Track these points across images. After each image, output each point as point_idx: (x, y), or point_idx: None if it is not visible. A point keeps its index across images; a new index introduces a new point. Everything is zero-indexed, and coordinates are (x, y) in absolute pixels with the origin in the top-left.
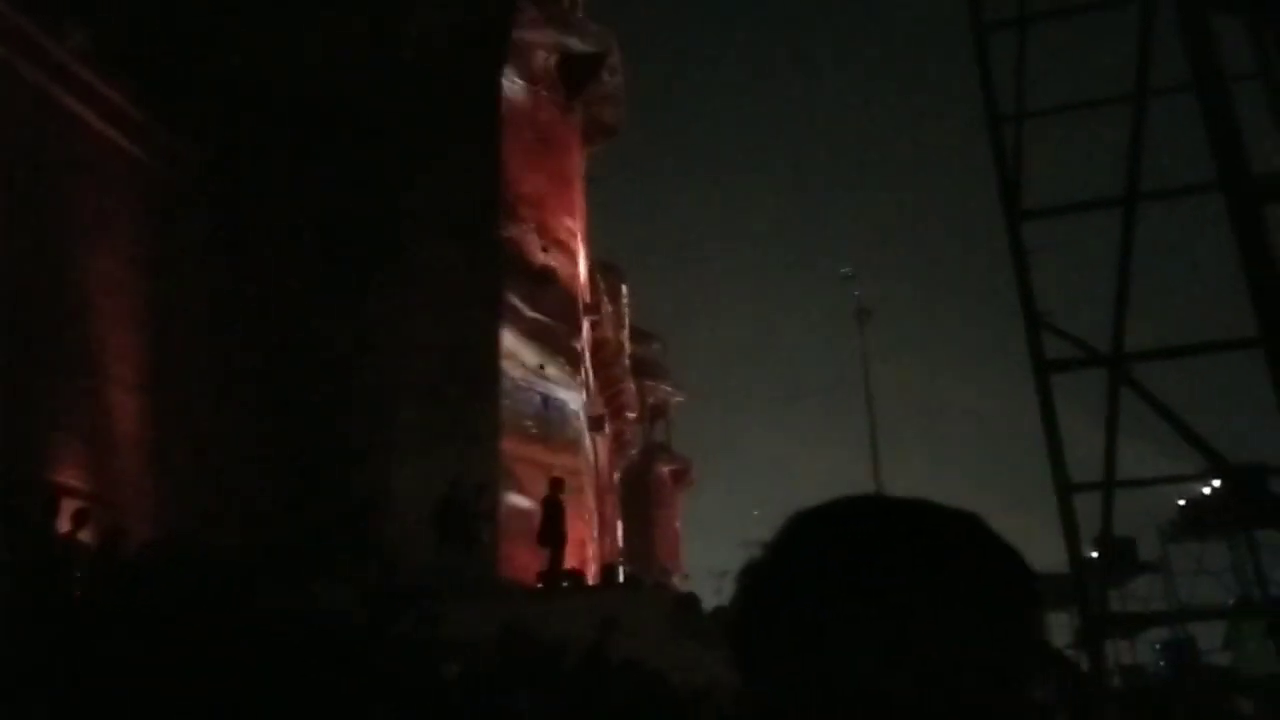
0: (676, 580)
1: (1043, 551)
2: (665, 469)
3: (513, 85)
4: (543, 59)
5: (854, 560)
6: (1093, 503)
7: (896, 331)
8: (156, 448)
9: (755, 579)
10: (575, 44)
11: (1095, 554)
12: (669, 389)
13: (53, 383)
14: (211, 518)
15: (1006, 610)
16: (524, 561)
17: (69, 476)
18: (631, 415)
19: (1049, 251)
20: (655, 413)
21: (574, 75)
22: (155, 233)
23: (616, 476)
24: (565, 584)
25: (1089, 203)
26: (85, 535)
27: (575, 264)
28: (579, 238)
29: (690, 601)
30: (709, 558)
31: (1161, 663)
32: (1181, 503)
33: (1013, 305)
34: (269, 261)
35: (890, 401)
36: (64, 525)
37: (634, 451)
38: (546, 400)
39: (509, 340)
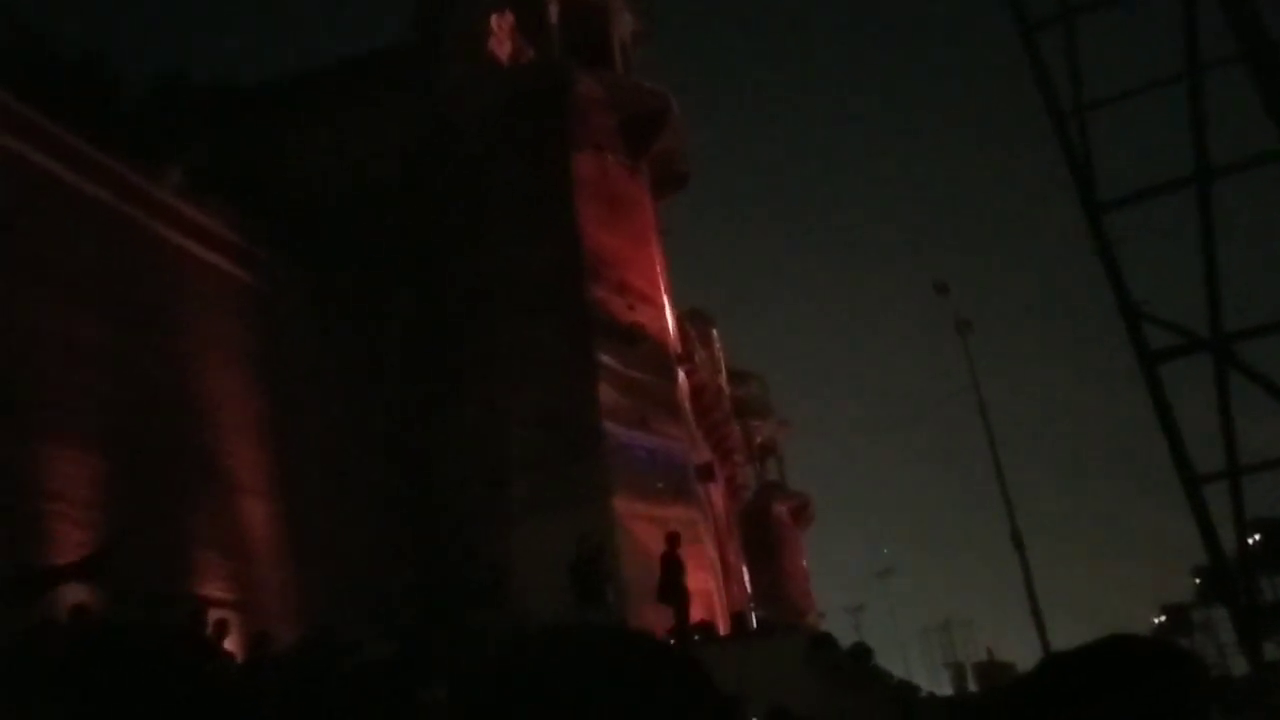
0: (811, 619)
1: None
2: (783, 507)
3: (579, 153)
4: (604, 124)
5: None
6: (1247, 485)
7: (1001, 340)
8: (289, 550)
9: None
10: (634, 105)
11: (1254, 539)
12: (775, 425)
13: (186, 497)
14: (348, 612)
15: None
16: (651, 619)
17: (212, 588)
18: (739, 458)
19: (1135, 240)
20: (764, 451)
21: (637, 135)
22: (263, 346)
23: (734, 521)
24: (696, 637)
25: (1161, 186)
26: (229, 644)
27: (662, 316)
28: (662, 290)
29: (825, 640)
30: (842, 593)
31: None
32: None
33: (1109, 297)
34: (367, 358)
35: (1006, 408)
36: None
37: (749, 494)
38: (652, 455)
39: (607, 400)
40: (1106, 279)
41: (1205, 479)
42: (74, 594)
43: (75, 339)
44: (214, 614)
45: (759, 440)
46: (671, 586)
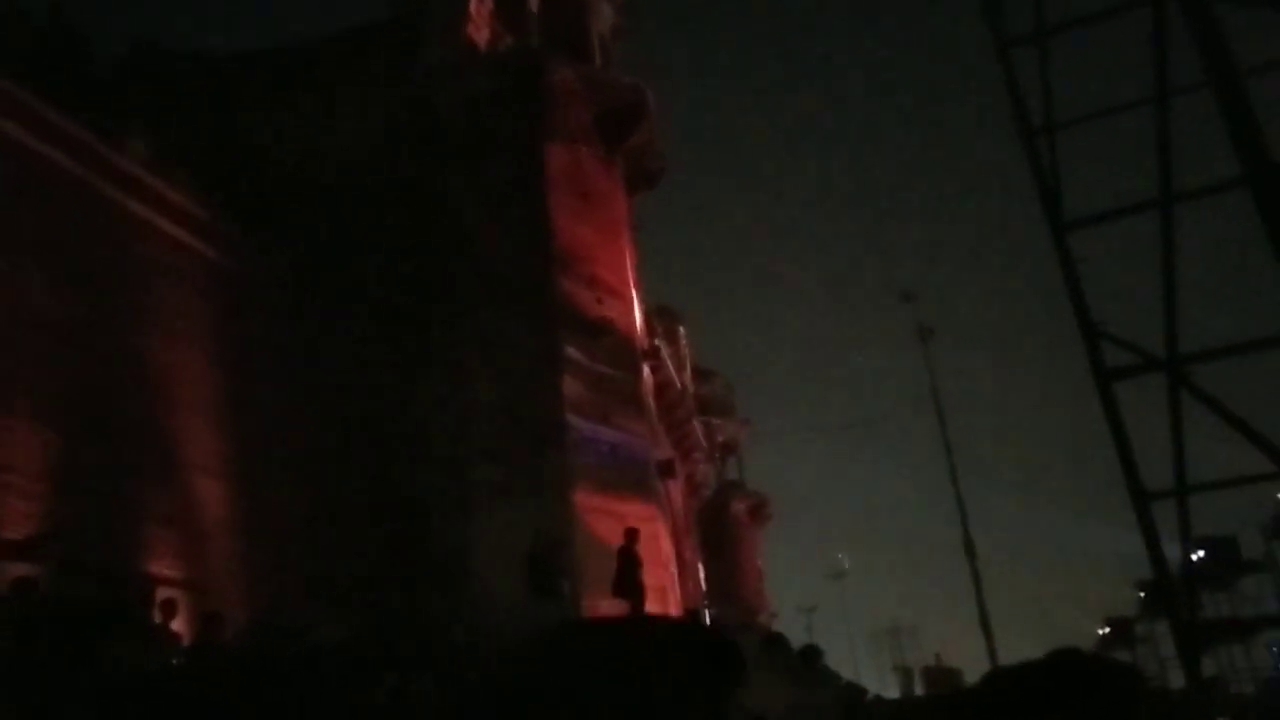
0: (764, 619)
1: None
2: (741, 506)
3: (553, 144)
4: (580, 116)
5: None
6: (1194, 504)
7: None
8: (242, 531)
9: None
10: (610, 99)
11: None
12: (737, 425)
13: (141, 475)
14: (300, 595)
15: None
16: (606, 613)
17: (163, 566)
18: (700, 455)
19: (1097, 260)
20: (725, 450)
21: (612, 128)
22: (225, 323)
23: (692, 518)
24: None
25: (1127, 208)
26: (177, 624)
27: (630, 311)
28: (632, 286)
29: (777, 640)
30: (796, 593)
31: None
32: None
33: (1069, 313)
34: (333, 339)
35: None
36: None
37: (708, 492)
38: (614, 449)
39: (571, 392)
40: (1068, 296)
41: (1154, 496)
42: (18, 568)
43: (30, 307)
44: (163, 593)
45: (720, 439)
46: (627, 581)
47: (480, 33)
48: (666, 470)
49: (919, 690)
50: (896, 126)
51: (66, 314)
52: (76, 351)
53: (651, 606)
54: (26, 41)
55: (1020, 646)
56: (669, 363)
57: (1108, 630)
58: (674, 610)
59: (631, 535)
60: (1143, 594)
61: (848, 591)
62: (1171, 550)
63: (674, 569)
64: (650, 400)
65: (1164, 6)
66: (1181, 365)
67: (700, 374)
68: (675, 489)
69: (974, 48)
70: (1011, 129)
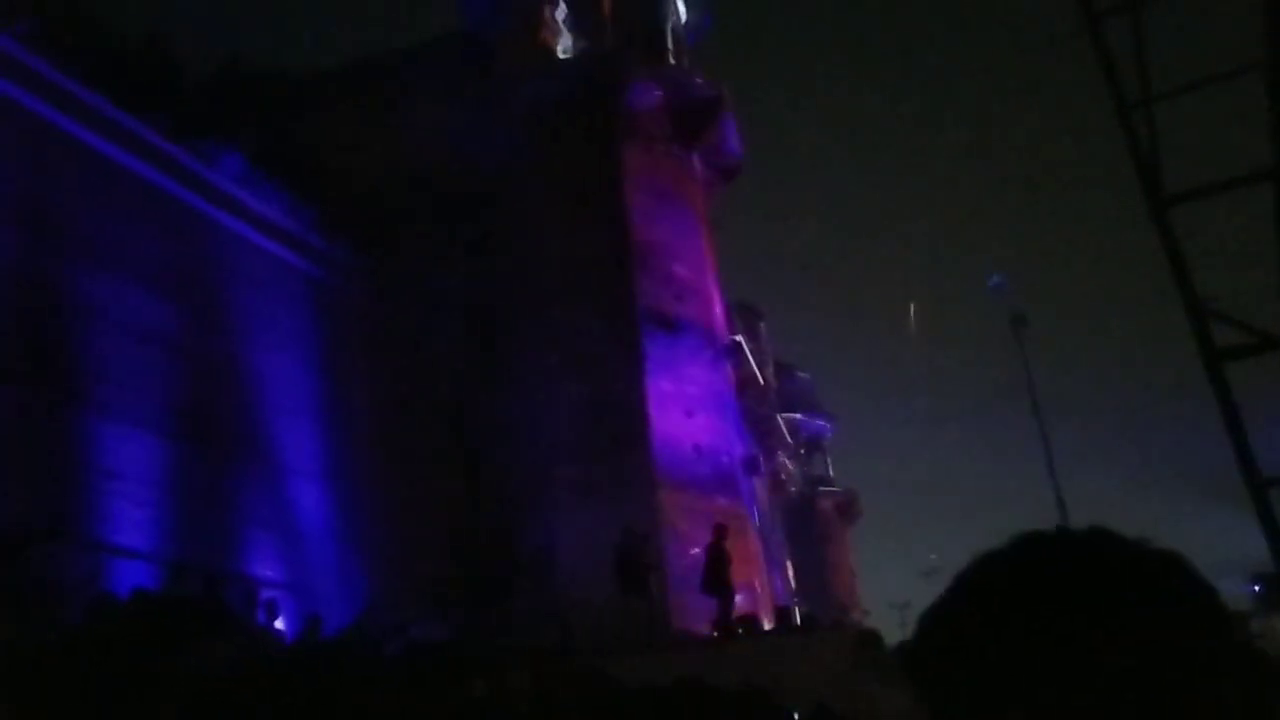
0: (856, 616)
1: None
2: (829, 502)
3: (630, 144)
4: (657, 115)
5: (1040, 607)
6: None
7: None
8: (340, 533)
9: (938, 624)
10: (687, 97)
11: None
12: (822, 420)
13: (243, 480)
14: (396, 594)
15: (1201, 657)
16: (696, 610)
17: (263, 568)
18: (785, 452)
19: (1204, 236)
20: (811, 447)
21: (689, 126)
22: (318, 330)
23: (778, 515)
24: (740, 630)
25: (1236, 179)
26: (280, 624)
27: (710, 308)
28: (711, 282)
29: (871, 638)
30: (888, 590)
31: None
32: None
33: (1174, 295)
34: (420, 343)
35: (1060, 406)
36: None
37: (794, 489)
38: (698, 447)
39: (654, 390)
40: (1171, 275)
41: (1272, 482)
42: (134, 573)
43: (135, 320)
44: (265, 594)
45: (805, 435)
46: (717, 578)
47: (555, 37)
48: (752, 467)
49: None
50: (985, 108)
51: (171, 326)
52: (180, 361)
53: (741, 604)
54: (124, 65)
55: None
56: (751, 358)
57: None
58: (764, 608)
59: (720, 532)
60: (1258, 587)
61: (941, 588)
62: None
63: (763, 566)
64: (733, 396)
65: None
66: None
67: (783, 369)
68: (760, 486)
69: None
70: (1107, 103)
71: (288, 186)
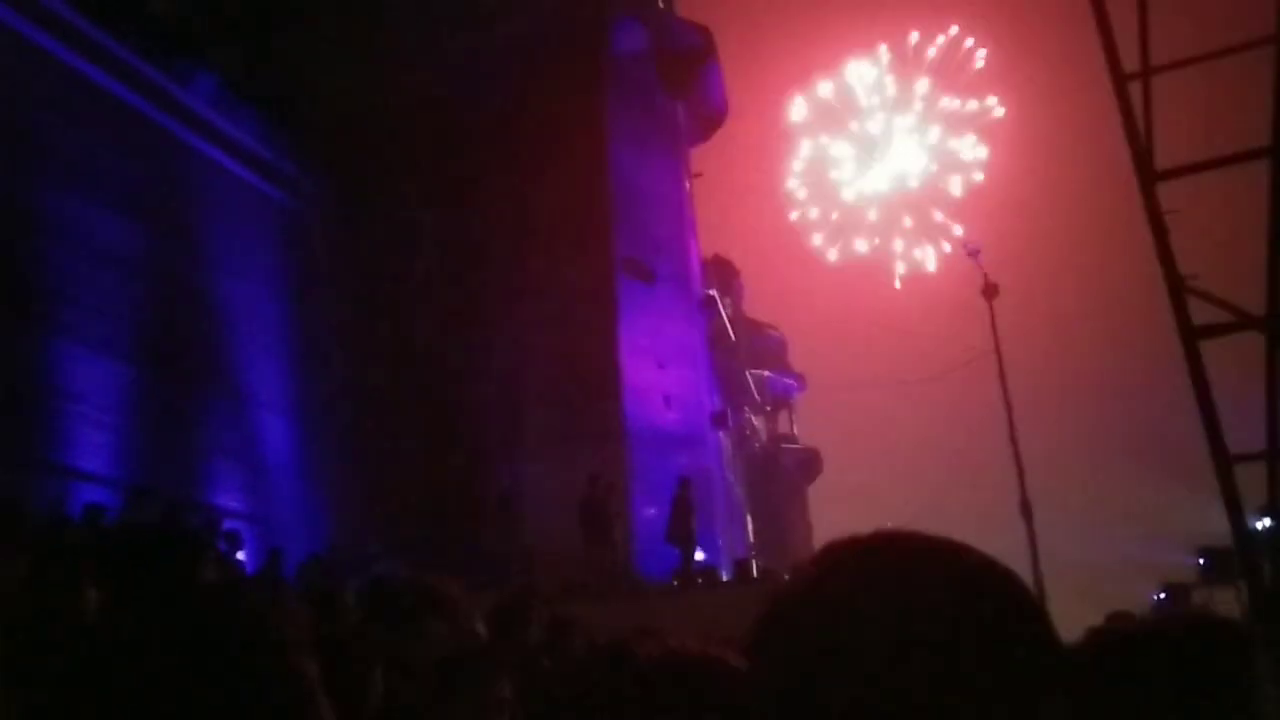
0: None
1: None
2: (791, 460)
3: (615, 89)
4: (643, 60)
5: (877, 606)
6: (1257, 471)
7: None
8: (305, 466)
9: (785, 607)
10: (673, 43)
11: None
12: (790, 378)
13: (205, 409)
14: (359, 532)
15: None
16: (656, 559)
17: (226, 498)
18: (752, 408)
19: (1186, 212)
20: (778, 404)
21: (676, 73)
22: (290, 263)
23: (742, 470)
24: (699, 580)
25: (1232, 156)
26: (241, 555)
27: (688, 261)
28: (690, 234)
29: None
30: None
31: None
32: None
33: (1152, 270)
34: (395, 280)
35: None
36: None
37: (758, 444)
38: (668, 398)
39: (627, 340)
40: (1155, 250)
41: (1240, 458)
42: (94, 497)
43: (101, 241)
44: (227, 524)
45: (772, 392)
46: (680, 528)
47: None
48: (720, 421)
49: None
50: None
51: (138, 249)
52: (147, 285)
53: (702, 554)
54: None
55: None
56: (724, 313)
57: (1163, 596)
58: (724, 560)
59: (684, 484)
60: (1202, 560)
61: None
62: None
63: (725, 519)
64: (705, 350)
65: None
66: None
67: (755, 326)
68: (727, 440)
69: None
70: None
71: (262, 110)
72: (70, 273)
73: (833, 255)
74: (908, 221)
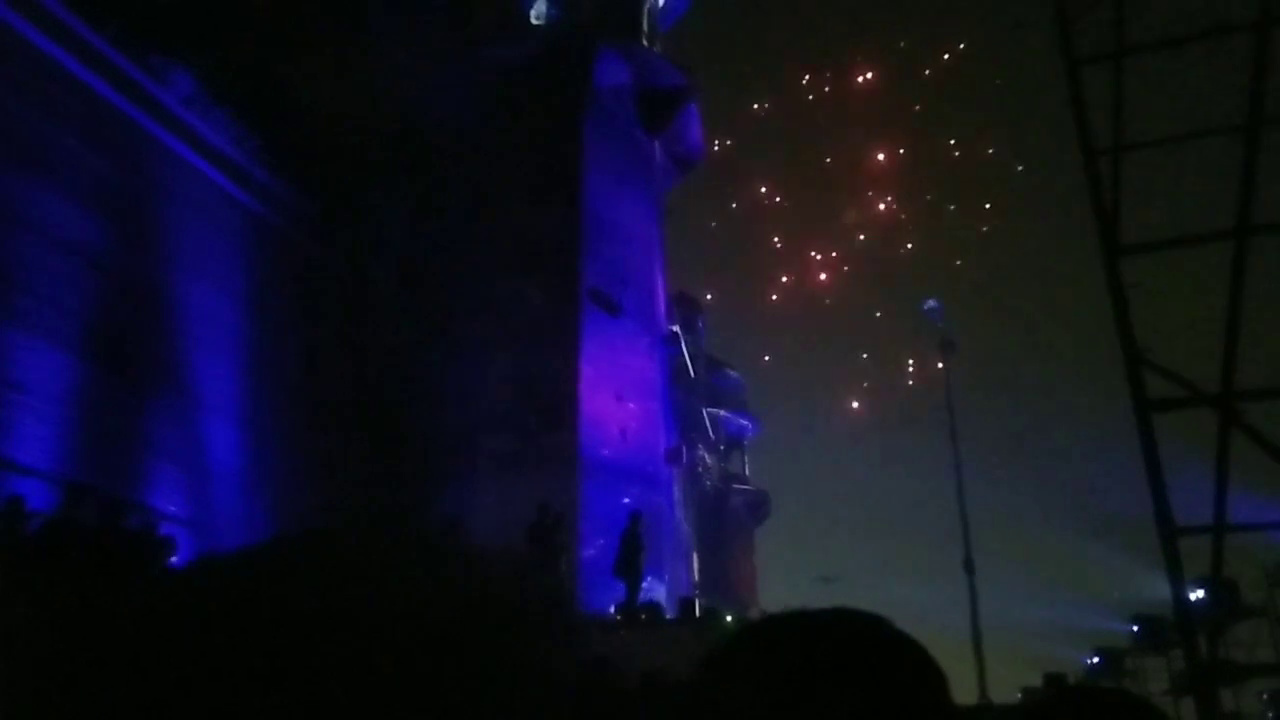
0: (753, 613)
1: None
2: (740, 500)
3: (593, 121)
4: (623, 95)
5: (780, 694)
6: (1193, 542)
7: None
8: (248, 475)
9: (704, 680)
10: (655, 82)
11: (1199, 595)
12: (746, 419)
13: (152, 410)
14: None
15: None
16: (601, 593)
17: (166, 501)
18: (704, 446)
19: (1148, 288)
20: (732, 444)
21: (655, 111)
22: (251, 268)
23: (691, 508)
24: (643, 617)
25: (1197, 237)
26: (174, 561)
27: (653, 296)
28: (658, 270)
29: None
30: (785, 591)
31: (1270, 714)
32: None
33: (1110, 342)
34: (355, 294)
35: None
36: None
37: (709, 483)
38: (624, 431)
39: (586, 371)
40: (1114, 322)
41: (1184, 531)
42: (25, 486)
43: (59, 231)
44: (164, 528)
45: (727, 432)
46: (628, 563)
47: (532, 3)
48: (674, 457)
49: None
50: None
51: (97, 242)
52: (103, 280)
53: (648, 592)
54: None
55: (1006, 667)
56: (685, 350)
57: (1096, 660)
58: (664, 597)
59: (635, 518)
60: (1136, 627)
61: (837, 597)
62: (1163, 589)
63: (673, 556)
64: (663, 386)
65: (1268, 32)
66: (1233, 401)
67: (714, 365)
68: (678, 477)
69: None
70: (1072, 146)
71: (237, 115)
72: (25, 259)
73: None
74: None
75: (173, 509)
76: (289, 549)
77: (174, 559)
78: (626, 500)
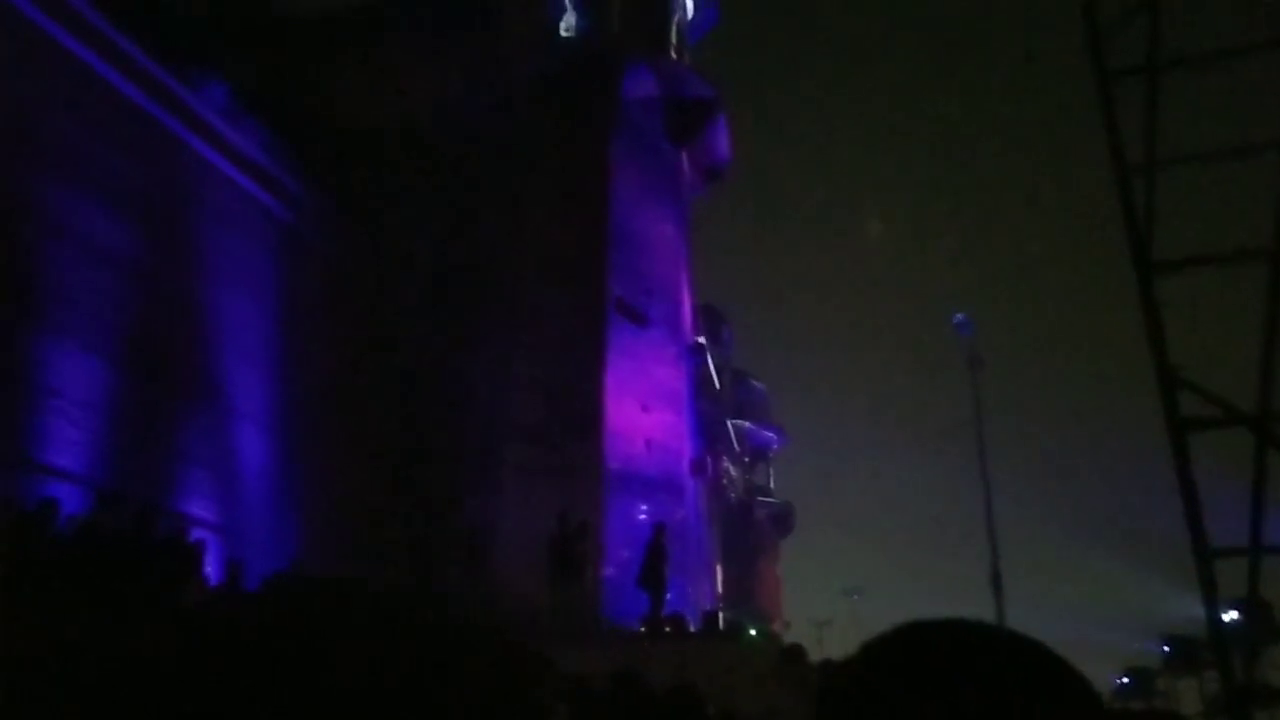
0: (777, 627)
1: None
2: (765, 513)
3: (620, 133)
4: (651, 108)
5: (929, 691)
6: (1227, 562)
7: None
8: (278, 482)
9: (840, 700)
10: (683, 94)
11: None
12: (771, 431)
13: (184, 416)
14: (326, 551)
15: None
16: (625, 604)
17: (197, 506)
18: (731, 458)
19: (1183, 306)
20: (757, 456)
21: (681, 123)
22: (282, 277)
23: (716, 520)
24: (667, 629)
25: (1233, 255)
26: (204, 565)
27: (679, 307)
28: (684, 281)
29: (797, 653)
30: (810, 605)
31: None
32: None
33: (1144, 360)
34: (384, 304)
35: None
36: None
37: (734, 495)
38: (649, 442)
39: (612, 381)
40: (1147, 340)
41: (1219, 553)
42: (59, 490)
43: (95, 240)
44: (195, 533)
45: (753, 444)
46: (652, 574)
47: (560, 13)
48: (699, 469)
49: None
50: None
51: (131, 250)
52: (137, 288)
53: (672, 603)
54: None
55: None
56: (711, 362)
57: (1125, 680)
58: (692, 609)
59: (660, 530)
60: (1167, 648)
61: (863, 612)
62: (1193, 609)
63: (697, 569)
64: (689, 397)
65: None
66: (1271, 422)
67: (740, 377)
68: (702, 489)
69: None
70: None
71: (270, 125)
72: (63, 268)
73: None
74: None
75: (203, 515)
76: (313, 596)
77: (204, 566)
78: (651, 511)
